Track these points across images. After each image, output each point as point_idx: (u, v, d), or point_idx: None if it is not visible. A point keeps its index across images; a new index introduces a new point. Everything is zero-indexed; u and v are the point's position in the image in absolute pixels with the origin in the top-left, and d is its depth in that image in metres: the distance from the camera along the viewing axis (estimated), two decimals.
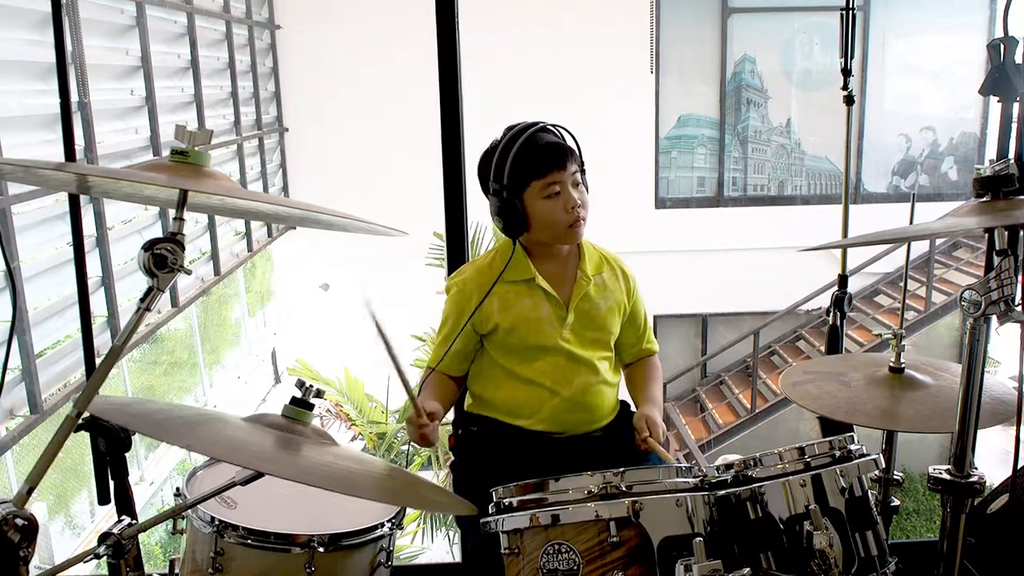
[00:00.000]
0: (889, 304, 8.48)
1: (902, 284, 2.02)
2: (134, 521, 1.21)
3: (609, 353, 1.85)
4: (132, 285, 5.06)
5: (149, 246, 1.10)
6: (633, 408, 1.90)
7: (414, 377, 1.84)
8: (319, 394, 1.33)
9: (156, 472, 7.45)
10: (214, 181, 1.14)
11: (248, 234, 7.74)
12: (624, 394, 1.92)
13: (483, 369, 1.83)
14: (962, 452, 1.40)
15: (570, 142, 1.74)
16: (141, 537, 1.25)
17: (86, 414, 1.21)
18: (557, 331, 1.76)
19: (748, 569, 1.21)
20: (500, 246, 1.83)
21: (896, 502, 1.86)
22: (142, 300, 1.10)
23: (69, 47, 4.24)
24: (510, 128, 1.73)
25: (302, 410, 1.31)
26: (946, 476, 1.43)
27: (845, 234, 2.15)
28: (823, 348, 2.20)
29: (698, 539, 1.18)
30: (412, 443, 1.65)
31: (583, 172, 1.75)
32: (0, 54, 4.04)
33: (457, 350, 1.79)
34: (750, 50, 8.78)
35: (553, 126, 1.74)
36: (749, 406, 8.22)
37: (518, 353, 1.77)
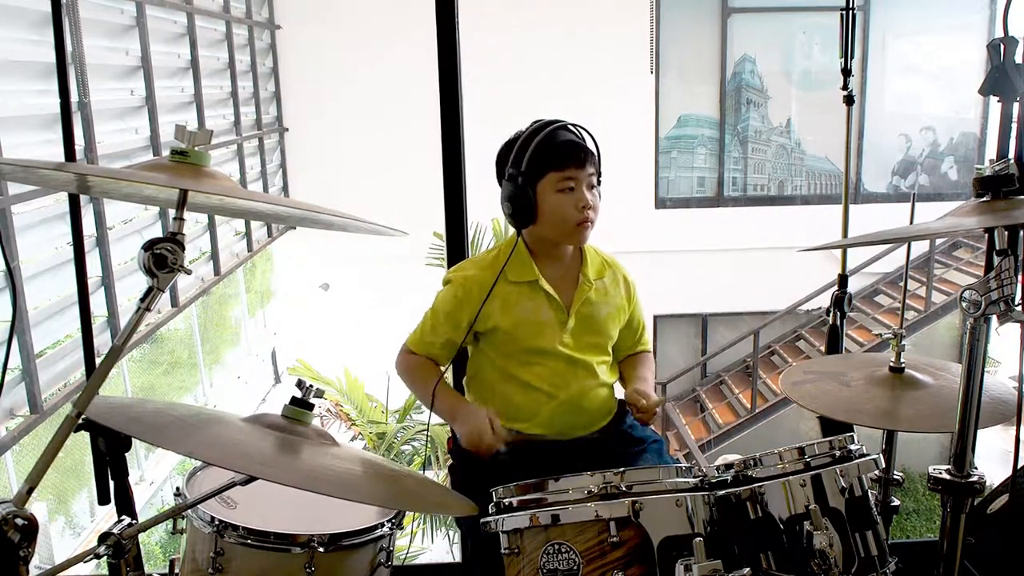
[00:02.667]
0: (889, 304, 8.48)
1: (902, 284, 2.02)
2: (134, 521, 1.21)
3: (607, 357, 1.85)
4: (132, 285, 5.06)
5: (149, 246, 1.10)
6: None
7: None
8: (319, 394, 1.33)
9: (156, 472, 7.46)
10: (214, 181, 1.14)
11: (248, 234, 7.75)
12: (619, 394, 1.92)
13: (479, 371, 1.82)
14: (962, 452, 1.40)
15: (591, 145, 1.74)
16: (141, 537, 1.25)
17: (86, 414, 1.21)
18: (557, 335, 1.76)
19: (748, 569, 1.21)
20: (503, 245, 1.82)
21: (896, 502, 1.86)
22: (142, 300, 1.10)
23: (69, 47, 4.23)
24: (536, 121, 1.74)
25: (302, 410, 1.31)
26: (946, 476, 1.42)
27: (845, 234, 2.15)
28: (823, 348, 2.20)
29: (698, 539, 1.18)
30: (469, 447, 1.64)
31: (599, 179, 1.75)
32: (0, 54, 4.04)
33: (449, 340, 1.77)
34: (750, 50, 8.78)
35: (576, 127, 1.75)
36: (749, 406, 8.22)
37: (515, 355, 1.76)
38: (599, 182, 1.75)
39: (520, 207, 1.71)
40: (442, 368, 1.80)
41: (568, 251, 1.81)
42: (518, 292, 1.75)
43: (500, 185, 1.76)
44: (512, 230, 1.78)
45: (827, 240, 1.60)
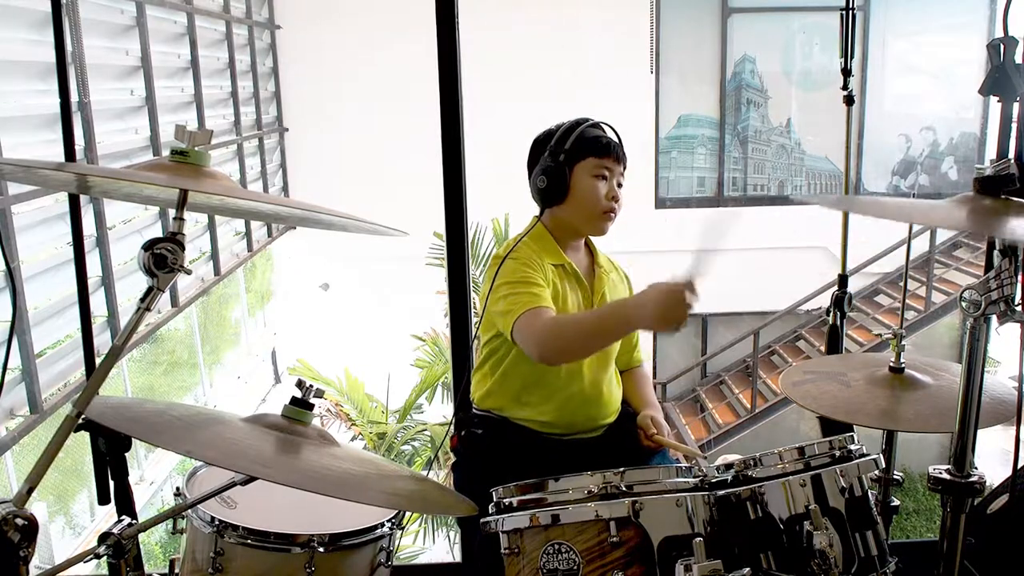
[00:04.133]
0: (889, 304, 8.47)
1: (902, 284, 2.02)
2: (134, 521, 1.21)
3: (615, 353, 1.88)
4: (132, 285, 5.06)
5: (149, 246, 1.09)
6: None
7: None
8: (319, 394, 1.33)
9: (156, 472, 7.45)
10: (214, 181, 1.14)
11: (248, 234, 7.75)
12: None
13: (496, 355, 1.81)
14: (962, 452, 1.40)
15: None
16: (141, 537, 1.25)
17: (86, 414, 1.21)
18: None
19: (748, 569, 1.21)
20: (520, 236, 1.82)
21: (896, 502, 1.86)
22: (142, 300, 1.10)
23: (69, 47, 4.23)
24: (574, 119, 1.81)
25: (302, 410, 1.31)
26: (946, 476, 1.42)
27: (845, 234, 2.15)
28: (823, 348, 2.20)
29: (698, 539, 1.18)
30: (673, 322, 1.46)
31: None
32: (0, 54, 4.04)
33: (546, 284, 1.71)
34: (750, 50, 8.78)
35: (614, 130, 1.82)
36: (749, 406, 8.22)
37: None
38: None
39: (554, 181, 1.75)
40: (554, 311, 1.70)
41: (580, 245, 1.85)
42: (555, 273, 1.77)
43: (530, 171, 1.81)
44: (520, 226, 1.80)
45: (828, 240, 1.60)
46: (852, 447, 1.36)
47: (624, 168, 1.81)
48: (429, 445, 7.40)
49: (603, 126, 1.82)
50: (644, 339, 2.01)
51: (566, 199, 1.76)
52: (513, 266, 1.71)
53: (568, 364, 1.75)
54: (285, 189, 8.99)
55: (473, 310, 2.27)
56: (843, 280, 2.10)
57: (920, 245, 8.13)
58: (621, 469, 1.27)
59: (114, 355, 1.11)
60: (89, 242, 4.68)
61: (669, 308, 1.45)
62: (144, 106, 5.60)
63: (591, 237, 1.88)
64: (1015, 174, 1.33)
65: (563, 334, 1.61)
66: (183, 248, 1.11)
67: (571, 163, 1.75)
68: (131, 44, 5.47)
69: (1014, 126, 1.84)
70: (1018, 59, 1.78)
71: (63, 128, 1.98)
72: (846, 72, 2.05)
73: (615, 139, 1.81)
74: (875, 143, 8.90)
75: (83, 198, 3.15)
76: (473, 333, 2.20)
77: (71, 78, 4.43)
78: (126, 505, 1.50)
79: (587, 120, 1.80)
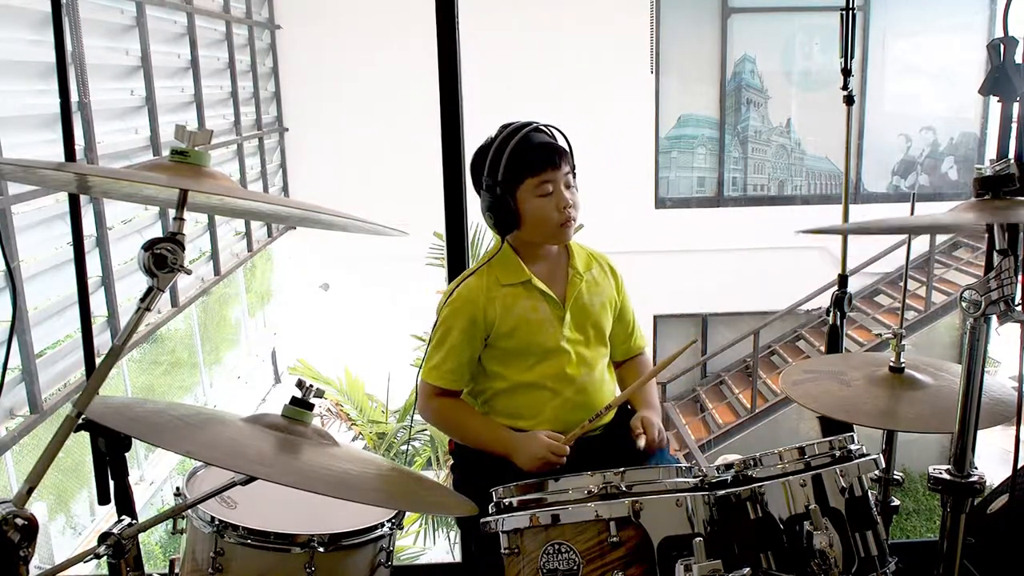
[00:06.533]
0: (889, 304, 8.47)
1: (902, 284, 2.02)
2: (134, 521, 1.21)
3: (606, 351, 1.86)
4: (132, 285, 5.06)
5: (149, 246, 1.09)
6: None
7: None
8: (319, 394, 1.33)
9: (156, 472, 7.45)
10: (214, 181, 1.14)
11: (248, 234, 7.75)
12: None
13: (479, 378, 1.82)
14: (962, 452, 1.40)
15: (563, 143, 1.75)
16: (141, 537, 1.25)
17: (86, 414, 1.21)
18: (557, 331, 1.76)
19: (748, 569, 1.21)
20: (488, 253, 1.84)
21: (896, 502, 1.86)
22: (142, 300, 1.10)
23: (69, 47, 4.23)
24: (505, 126, 1.74)
25: (302, 410, 1.31)
26: (946, 476, 1.42)
27: (845, 234, 2.15)
28: (823, 348, 2.20)
29: (698, 539, 1.18)
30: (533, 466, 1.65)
31: (574, 173, 1.76)
32: (0, 54, 4.04)
33: (471, 359, 1.76)
34: (750, 50, 8.78)
35: (547, 126, 1.75)
36: (749, 406, 8.22)
37: (517, 357, 1.76)
38: (575, 176, 1.76)
39: (502, 216, 1.72)
40: (462, 397, 1.81)
41: (554, 249, 1.82)
42: (513, 294, 1.76)
43: (478, 193, 1.77)
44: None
45: (827, 240, 1.60)
46: (852, 447, 1.36)
47: (569, 165, 1.73)
48: (429, 445, 7.39)
49: (536, 130, 1.73)
50: (644, 335, 2.00)
51: (520, 225, 1.73)
52: (446, 317, 1.76)
53: (553, 375, 1.76)
54: (285, 189, 9.00)
55: None
56: (843, 280, 2.10)
57: (920, 245, 8.13)
58: (621, 469, 1.27)
59: (114, 355, 1.11)
60: (89, 242, 4.68)
61: (545, 462, 1.64)
62: (144, 106, 5.60)
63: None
64: (1015, 174, 1.33)
65: (444, 423, 1.82)
66: (183, 248, 1.11)
67: (511, 191, 1.69)
68: (131, 44, 5.47)
69: (1014, 126, 1.84)
70: (1018, 59, 1.78)
71: (63, 128, 1.98)
72: (846, 72, 2.05)
73: (546, 139, 1.73)
74: (875, 143, 8.91)
75: (83, 198, 3.15)
76: None
77: (71, 78, 4.43)
78: (126, 505, 1.50)
79: (512, 133, 1.70)
